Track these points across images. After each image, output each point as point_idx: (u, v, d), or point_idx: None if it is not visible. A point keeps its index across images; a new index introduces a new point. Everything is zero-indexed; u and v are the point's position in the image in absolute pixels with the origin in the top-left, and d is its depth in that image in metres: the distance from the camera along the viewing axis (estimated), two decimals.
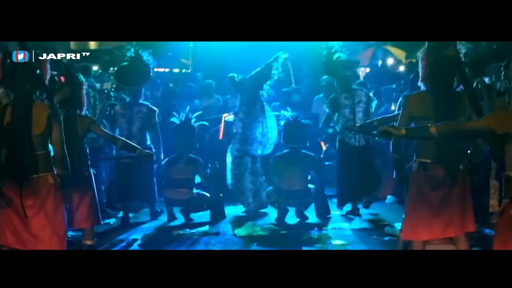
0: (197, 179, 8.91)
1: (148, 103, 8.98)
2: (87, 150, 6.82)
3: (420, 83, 5.55)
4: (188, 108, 9.32)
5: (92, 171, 6.88)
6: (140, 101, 8.82)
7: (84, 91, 6.74)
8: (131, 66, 8.79)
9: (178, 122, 8.95)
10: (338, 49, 8.91)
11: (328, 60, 8.94)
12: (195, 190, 8.83)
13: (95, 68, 14.96)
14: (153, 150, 8.53)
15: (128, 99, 9.00)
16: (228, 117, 10.10)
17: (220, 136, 10.11)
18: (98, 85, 10.90)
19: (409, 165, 5.60)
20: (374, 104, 9.35)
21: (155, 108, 8.90)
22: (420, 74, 5.54)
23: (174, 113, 9.08)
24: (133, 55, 8.80)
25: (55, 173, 5.19)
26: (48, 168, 5.16)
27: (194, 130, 9.00)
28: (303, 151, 8.84)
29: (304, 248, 7.35)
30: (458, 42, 5.63)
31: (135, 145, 7.14)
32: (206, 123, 10.16)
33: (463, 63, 5.52)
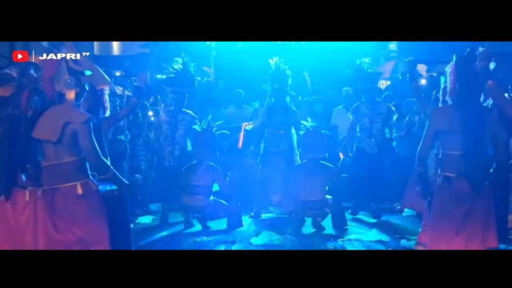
0: (215, 187, 8.97)
1: (191, 111, 9.34)
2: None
3: (447, 98, 5.55)
4: (210, 116, 9.42)
5: None
6: (183, 109, 9.22)
7: (107, 96, 6.76)
8: (178, 75, 9.19)
9: (199, 130, 9.04)
10: (368, 65, 9.54)
11: (358, 74, 9.54)
12: (212, 198, 8.89)
13: (117, 73, 15.06)
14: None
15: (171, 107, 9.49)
16: (248, 126, 10.15)
17: (240, 145, 10.15)
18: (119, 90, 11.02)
19: (434, 179, 5.60)
20: (395, 117, 9.86)
21: (196, 116, 9.24)
22: (448, 89, 5.53)
23: (196, 120, 9.22)
24: (181, 66, 9.22)
25: (90, 180, 4.94)
26: (75, 177, 4.89)
27: (215, 139, 9.05)
28: (322, 162, 8.86)
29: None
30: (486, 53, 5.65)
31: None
32: (227, 132, 10.25)
33: (491, 79, 5.50)
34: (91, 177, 4.98)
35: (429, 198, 5.63)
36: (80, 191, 4.86)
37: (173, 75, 9.21)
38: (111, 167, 5.02)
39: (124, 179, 5.26)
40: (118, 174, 5.11)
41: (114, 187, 5.32)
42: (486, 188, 5.43)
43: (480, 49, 5.52)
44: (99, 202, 4.98)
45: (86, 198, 4.88)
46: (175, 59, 9.33)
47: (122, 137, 9.02)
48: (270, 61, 9.48)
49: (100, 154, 4.92)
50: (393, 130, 10.39)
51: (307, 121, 9.02)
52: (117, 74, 14.83)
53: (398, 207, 10.03)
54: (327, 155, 8.96)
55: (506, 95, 5.18)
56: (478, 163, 5.34)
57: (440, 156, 5.54)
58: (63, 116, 4.81)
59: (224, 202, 8.87)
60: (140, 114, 9.86)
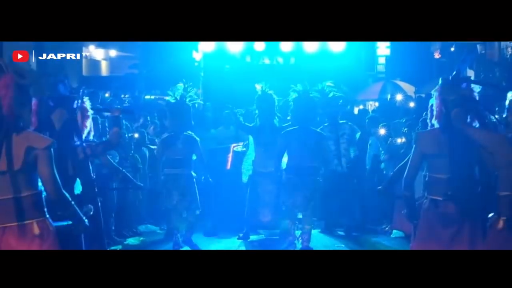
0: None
1: (192, 133, 9.09)
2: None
3: (434, 121, 5.49)
4: (182, 86, 9.16)
5: (99, 199, 6.71)
6: (184, 133, 8.96)
7: (90, 117, 6.50)
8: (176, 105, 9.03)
9: (173, 101, 8.93)
10: (331, 88, 9.58)
11: (322, 100, 9.48)
12: (194, 174, 8.86)
13: (106, 94, 15.07)
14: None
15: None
16: (237, 147, 10.14)
17: (228, 166, 10.13)
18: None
19: (420, 202, 5.53)
20: (358, 135, 10.15)
21: (197, 138, 9.04)
22: (434, 112, 5.47)
23: (168, 92, 9.14)
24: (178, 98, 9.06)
25: (47, 218, 4.25)
26: (32, 214, 4.18)
27: (189, 109, 8.92)
28: (312, 128, 8.77)
29: None
30: (472, 81, 5.63)
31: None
32: (201, 101, 10.25)
33: (477, 102, 5.46)
34: (47, 215, 4.31)
35: (415, 221, 5.59)
36: (36, 230, 4.19)
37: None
38: (72, 202, 4.39)
39: (84, 218, 4.53)
40: (79, 211, 4.46)
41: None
42: (473, 211, 5.34)
43: (468, 72, 5.54)
44: (54, 244, 4.30)
45: (40, 239, 4.20)
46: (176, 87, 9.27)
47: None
48: (257, 86, 9.49)
49: (61, 187, 4.28)
50: (382, 152, 10.43)
51: (296, 86, 8.93)
52: (106, 95, 14.82)
53: (386, 228, 10.03)
54: (318, 119, 8.96)
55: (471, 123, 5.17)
56: (465, 186, 5.29)
57: (426, 179, 5.49)
58: (24, 141, 4.14)
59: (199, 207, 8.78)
60: (126, 136, 9.78)
